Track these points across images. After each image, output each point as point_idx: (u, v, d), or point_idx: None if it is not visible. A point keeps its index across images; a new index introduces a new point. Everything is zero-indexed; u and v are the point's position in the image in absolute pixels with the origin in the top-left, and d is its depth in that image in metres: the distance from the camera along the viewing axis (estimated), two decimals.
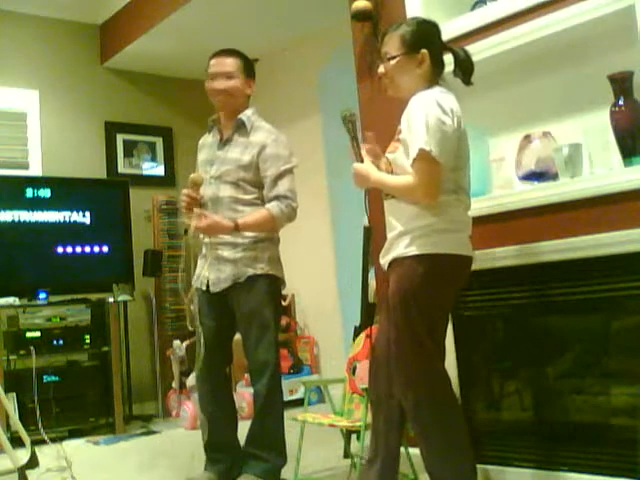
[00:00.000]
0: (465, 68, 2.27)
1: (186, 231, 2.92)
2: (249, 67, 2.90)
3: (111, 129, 5.27)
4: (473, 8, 2.85)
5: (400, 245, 2.16)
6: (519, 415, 2.68)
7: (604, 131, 2.38)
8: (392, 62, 2.23)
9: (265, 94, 5.46)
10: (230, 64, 2.84)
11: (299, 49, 5.12)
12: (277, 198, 2.77)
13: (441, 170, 2.09)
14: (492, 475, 2.61)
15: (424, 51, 2.21)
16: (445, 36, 2.76)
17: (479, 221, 2.65)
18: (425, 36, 2.25)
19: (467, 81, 2.29)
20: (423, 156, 2.06)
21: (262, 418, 2.80)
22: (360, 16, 3.04)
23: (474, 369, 2.73)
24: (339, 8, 3.42)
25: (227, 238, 2.81)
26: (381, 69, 2.28)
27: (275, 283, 2.85)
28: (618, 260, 2.28)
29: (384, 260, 2.25)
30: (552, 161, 2.50)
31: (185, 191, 2.83)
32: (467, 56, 2.27)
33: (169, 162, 5.54)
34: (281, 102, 5.26)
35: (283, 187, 2.78)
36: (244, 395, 4.38)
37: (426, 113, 2.08)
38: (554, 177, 2.51)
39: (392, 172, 2.22)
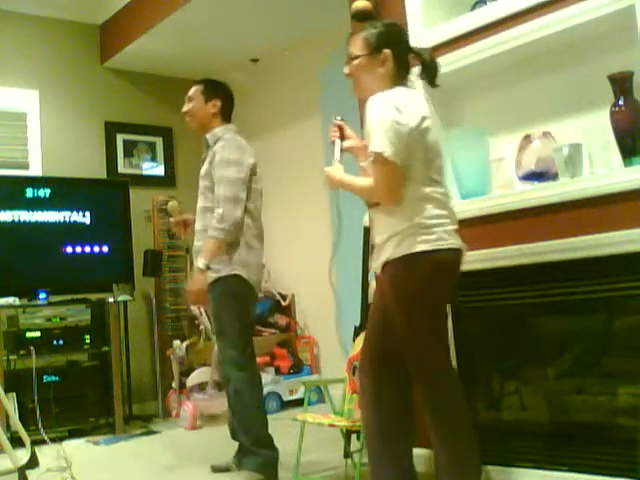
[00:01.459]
0: (430, 71, 2.28)
1: (174, 236, 3.14)
2: (209, 89, 3.19)
3: (111, 129, 5.26)
4: (473, 8, 2.86)
5: (390, 248, 2.16)
6: (519, 415, 2.68)
7: (604, 131, 2.38)
8: (355, 62, 2.25)
9: (265, 94, 5.48)
10: (192, 90, 3.20)
11: (299, 49, 5.11)
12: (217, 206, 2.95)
13: (398, 170, 2.09)
14: (492, 475, 2.61)
15: (386, 51, 2.22)
16: (445, 36, 2.79)
17: (479, 221, 2.66)
18: (389, 37, 2.25)
19: (432, 83, 2.30)
20: (377, 159, 2.08)
21: (234, 418, 2.96)
22: (360, 16, 3.03)
23: (474, 369, 2.73)
24: (339, 8, 3.42)
25: (198, 247, 3.02)
26: (345, 70, 2.29)
27: (236, 283, 2.94)
28: (618, 260, 2.28)
29: (376, 265, 2.25)
30: (552, 161, 2.50)
31: (170, 219, 3.37)
32: (432, 59, 2.29)
33: (169, 162, 5.54)
34: (281, 102, 5.26)
35: (218, 192, 2.96)
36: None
37: (380, 115, 2.10)
38: (554, 177, 2.51)
39: None
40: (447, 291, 2.24)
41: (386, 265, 2.18)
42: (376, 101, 2.14)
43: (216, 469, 3.11)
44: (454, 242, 2.18)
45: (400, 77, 2.25)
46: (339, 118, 2.44)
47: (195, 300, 3.03)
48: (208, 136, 3.13)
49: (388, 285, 2.19)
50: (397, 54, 2.24)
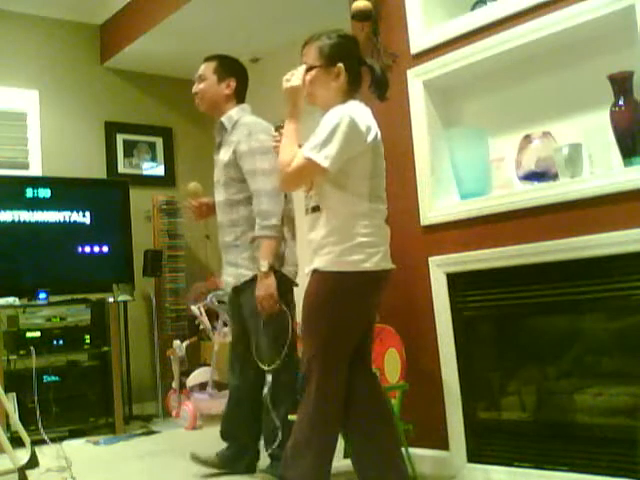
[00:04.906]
0: (380, 84, 2.27)
1: (208, 237, 2.98)
2: (224, 67, 2.96)
3: (111, 129, 5.26)
4: (473, 8, 2.85)
5: (319, 258, 2.16)
6: (519, 415, 2.68)
7: (604, 131, 2.38)
8: (309, 73, 2.23)
9: (265, 94, 5.47)
10: (203, 68, 2.98)
11: (299, 49, 5.11)
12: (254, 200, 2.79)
13: (317, 175, 2.10)
14: (492, 475, 2.61)
15: (340, 65, 2.21)
16: (445, 36, 2.79)
17: (479, 221, 2.66)
18: (343, 50, 2.24)
19: (382, 97, 2.29)
20: (309, 162, 2.06)
21: (266, 417, 2.84)
22: (360, 16, 3.03)
23: (474, 369, 2.73)
24: (339, 8, 3.42)
25: (230, 240, 2.87)
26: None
27: (274, 279, 2.78)
28: (618, 260, 2.28)
29: (307, 270, 2.23)
30: (552, 161, 2.50)
31: (191, 202, 3.09)
32: (383, 73, 2.28)
33: (169, 162, 5.54)
34: (281, 102, 5.25)
35: (256, 186, 2.78)
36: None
37: (336, 127, 2.07)
38: (554, 177, 2.51)
39: (312, 184, 2.21)
40: (364, 311, 2.22)
41: (313, 272, 2.18)
42: (334, 113, 2.13)
43: (197, 459, 3.03)
44: (382, 264, 2.17)
45: (352, 90, 2.24)
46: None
47: (271, 306, 2.72)
48: (224, 119, 2.91)
49: (307, 291, 2.18)
50: (350, 67, 2.23)
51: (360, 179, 2.14)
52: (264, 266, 2.71)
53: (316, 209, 2.20)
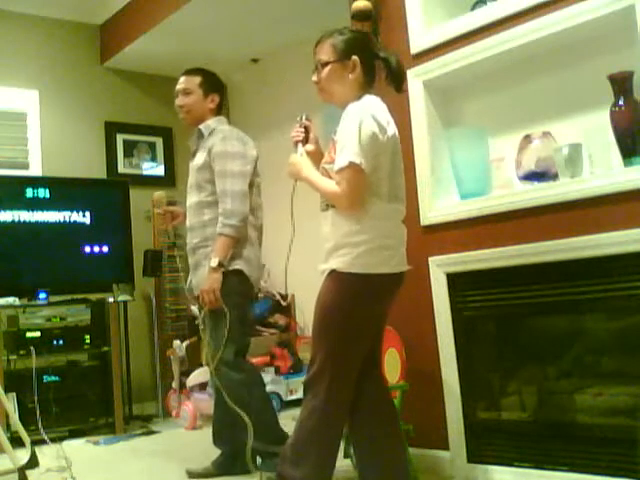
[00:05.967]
0: (396, 76, 2.27)
1: (175, 243, 3.05)
2: (208, 82, 3.07)
3: (111, 129, 5.26)
4: (473, 8, 2.86)
5: (336, 259, 2.15)
6: (519, 415, 2.68)
7: (604, 131, 2.38)
8: (325, 69, 2.23)
9: (265, 94, 5.48)
10: (187, 81, 3.08)
11: (299, 49, 5.11)
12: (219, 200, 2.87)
13: (366, 180, 2.09)
14: (492, 475, 2.61)
15: (355, 58, 2.21)
16: (445, 36, 2.79)
17: (479, 221, 2.66)
18: (356, 43, 2.25)
19: (399, 89, 2.29)
20: (353, 168, 2.06)
21: (237, 425, 2.84)
22: (360, 16, 3.04)
23: (474, 369, 2.73)
24: (339, 8, 3.42)
25: (199, 242, 2.94)
26: (314, 77, 2.28)
27: (237, 279, 2.86)
28: (618, 260, 2.28)
29: (321, 269, 2.23)
30: (552, 161, 2.50)
31: (157, 210, 3.28)
32: (398, 65, 2.28)
33: (169, 162, 5.54)
34: (281, 102, 5.26)
35: (223, 187, 2.87)
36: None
37: (360, 125, 2.08)
38: (554, 177, 2.51)
39: None
40: (377, 312, 2.22)
41: (329, 272, 2.18)
42: (355, 110, 2.13)
43: (193, 474, 3.04)
44: (399, 266, 2.17)
45: (367, 84, 2.25)
46: (305, 117, 2.40)
47: (212, 300, 2.81)
48: (202, 127, 3.02)
49: (322, 291, 2.19)
50: (364, 60, 2.23)
51: (378, 178, 2.13)
52: (214, 262, 2.79)
53: (331, 206, 2.19)
